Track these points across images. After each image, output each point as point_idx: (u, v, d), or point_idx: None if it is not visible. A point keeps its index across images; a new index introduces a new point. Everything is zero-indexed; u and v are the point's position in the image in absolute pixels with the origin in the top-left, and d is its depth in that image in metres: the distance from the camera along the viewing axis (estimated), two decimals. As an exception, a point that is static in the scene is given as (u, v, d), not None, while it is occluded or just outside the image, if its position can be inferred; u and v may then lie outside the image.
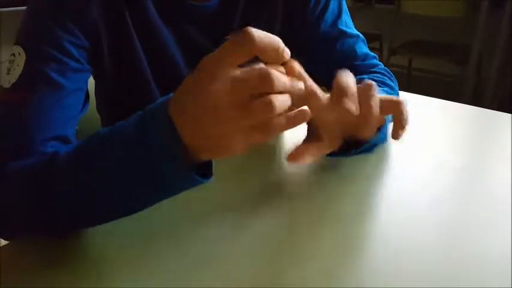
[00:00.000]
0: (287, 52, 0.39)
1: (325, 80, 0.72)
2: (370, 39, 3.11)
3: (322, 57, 0.74)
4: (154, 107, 0.43)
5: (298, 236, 0.50)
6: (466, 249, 0.48)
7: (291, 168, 0.65)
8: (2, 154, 0.52)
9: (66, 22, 0.57)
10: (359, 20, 3.51)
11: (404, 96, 0.91)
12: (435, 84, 3.17)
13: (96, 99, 0.75)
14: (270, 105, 0.36)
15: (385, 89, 0.71)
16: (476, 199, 0.57)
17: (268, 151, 0.71)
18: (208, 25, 0.67)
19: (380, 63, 0.79)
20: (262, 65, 0.38)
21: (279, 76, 0.37)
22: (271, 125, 0.38)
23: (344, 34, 0.74)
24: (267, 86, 0.36)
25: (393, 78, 0.77)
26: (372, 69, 0.76)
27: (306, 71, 0.77)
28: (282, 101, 0.37)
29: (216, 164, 0.45)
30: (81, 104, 0.60)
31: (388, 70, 0.78)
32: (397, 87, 0.77)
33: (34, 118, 0.53)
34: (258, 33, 0.37)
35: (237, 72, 0.37)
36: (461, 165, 0.67)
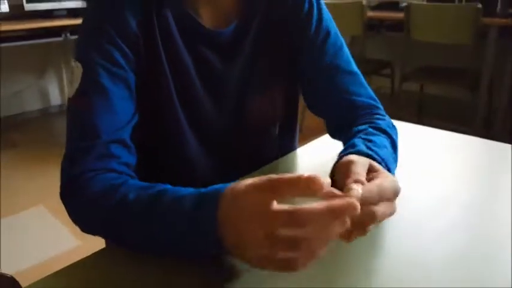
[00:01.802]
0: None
1: (323, 108, 0.79)
2: (381, 66, 3.17)
3: (318, 87, 0.77)
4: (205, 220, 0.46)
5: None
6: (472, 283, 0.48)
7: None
8: (75, 154, 0.61)
9: (113, 36, 0.65)
10: (371, 48, 3.53)
11: (412, 128, 0.94)
12: (446, 110, 3.19)
13: None
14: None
15: (382, 137, 0.65)
16: (483, 232, 0.57)
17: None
18: (223, 50, 0.73)
19: (379, 107, 0.76)
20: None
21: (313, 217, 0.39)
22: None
23: (342, 69, 0.76)
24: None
25: (392, 127, 0.71)
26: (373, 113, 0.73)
27: (306, 96, 0.80)
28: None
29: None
30: (132, 109, 0.67)
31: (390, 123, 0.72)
32: (396, 137, 0.69)
33: (94, 123, 0.61)
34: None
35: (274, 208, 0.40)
36: (468, 199, 0.67)
